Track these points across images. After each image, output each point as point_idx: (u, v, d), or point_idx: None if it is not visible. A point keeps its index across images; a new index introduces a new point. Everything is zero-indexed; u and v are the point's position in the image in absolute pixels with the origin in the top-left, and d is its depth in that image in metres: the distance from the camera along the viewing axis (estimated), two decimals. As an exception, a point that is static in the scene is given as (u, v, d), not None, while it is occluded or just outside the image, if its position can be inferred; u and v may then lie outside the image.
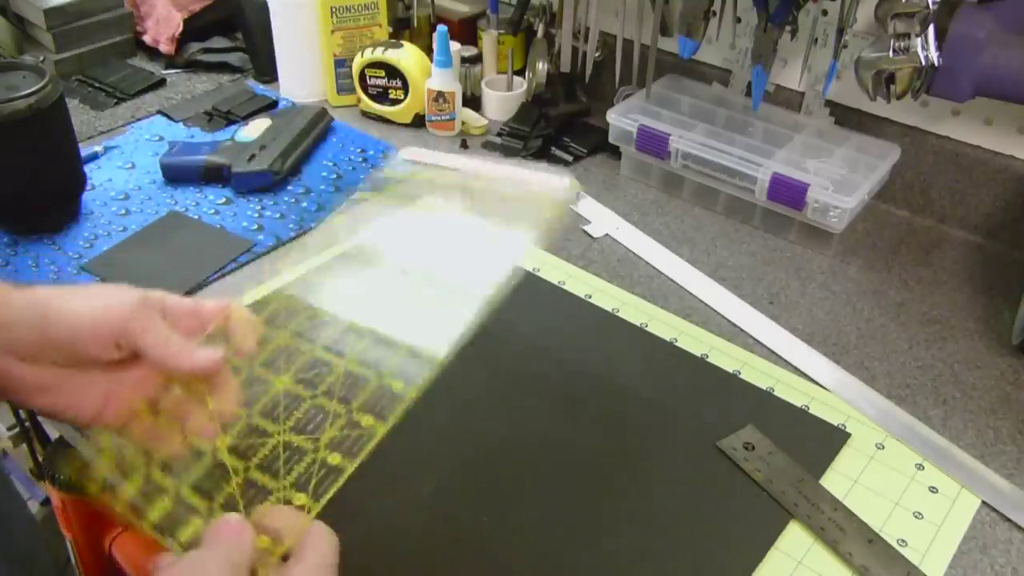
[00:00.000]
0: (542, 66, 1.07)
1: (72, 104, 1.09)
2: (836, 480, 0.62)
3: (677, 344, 0.74)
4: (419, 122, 1.08)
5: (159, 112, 1.10)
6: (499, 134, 1.06)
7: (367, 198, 0.68)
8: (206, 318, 0.52)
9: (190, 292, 0.79)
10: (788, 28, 0.88)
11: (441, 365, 0.52)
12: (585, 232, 0.89)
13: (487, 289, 0.54)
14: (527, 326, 0.76)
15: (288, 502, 0.47)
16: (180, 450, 0.51)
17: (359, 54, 1.06)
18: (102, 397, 0.50)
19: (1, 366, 0.48)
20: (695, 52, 0.92)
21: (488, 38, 1.12)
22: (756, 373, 0.71)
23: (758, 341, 0.75)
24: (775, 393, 0.70)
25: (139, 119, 1.09)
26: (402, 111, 1.08)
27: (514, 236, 0.57)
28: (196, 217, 0.90)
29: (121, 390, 0.51)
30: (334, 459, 0.49)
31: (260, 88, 1.15)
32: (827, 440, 0.66)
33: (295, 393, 0.54)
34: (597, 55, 1.04)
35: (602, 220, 0.91)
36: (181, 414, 0.51)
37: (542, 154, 1.03)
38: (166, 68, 1.20)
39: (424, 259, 0.59)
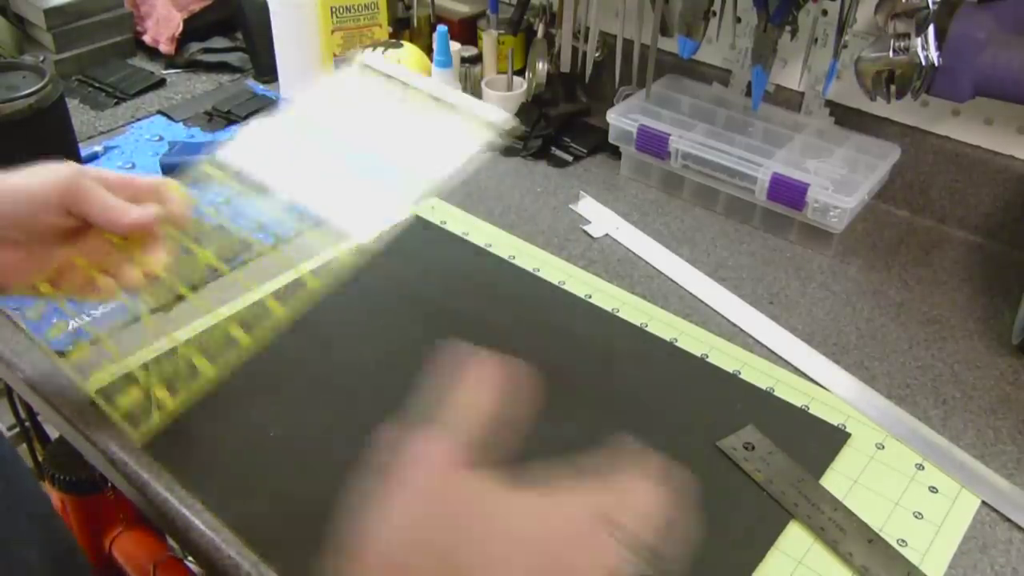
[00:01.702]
0: (542, 66, 1.07)
1: (72, 104, 1.09)
2: (836, 480, 0.62)
3: (677, 344, 0.74)
4: (419, 122, 1.08)
5: (159, 112, 1.10)
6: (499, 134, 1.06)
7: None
8: (140, 189, 0.59)
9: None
10: (788, 28, 0.88)
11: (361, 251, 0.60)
12: (585, 232, 0.89)
13: (421, 185, 0.59)
14: (527, 326, 0.76)
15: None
16: (108, 297, 0.60)
17: (359, 54, 1.06)
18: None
19: None
20: (695, 52, 0.92)
21: (488, 38, 1.12)
22: (756, 373, 0.71)
23: (758, 341, 0.75)
24: (775, 393, 0.70)
25: (139, 119, 1.09)
26: (402, 111, 1.08)
27: (449, 146, 0.62)
28: (196, 217, 0.90)
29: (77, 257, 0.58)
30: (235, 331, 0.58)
31: (260, 88, 1.15)
32: (827, 440, 0.66)
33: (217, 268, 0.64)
34: (597, 55, 1.04)
35: (602, 220, 0.91)
36: (113, 268, 0.59)
37: (542, 154, 1.03)
38: (166, 68, 1.20)
39: (364, 144, 0.63)
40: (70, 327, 0.73)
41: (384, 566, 0.34)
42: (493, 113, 0.61)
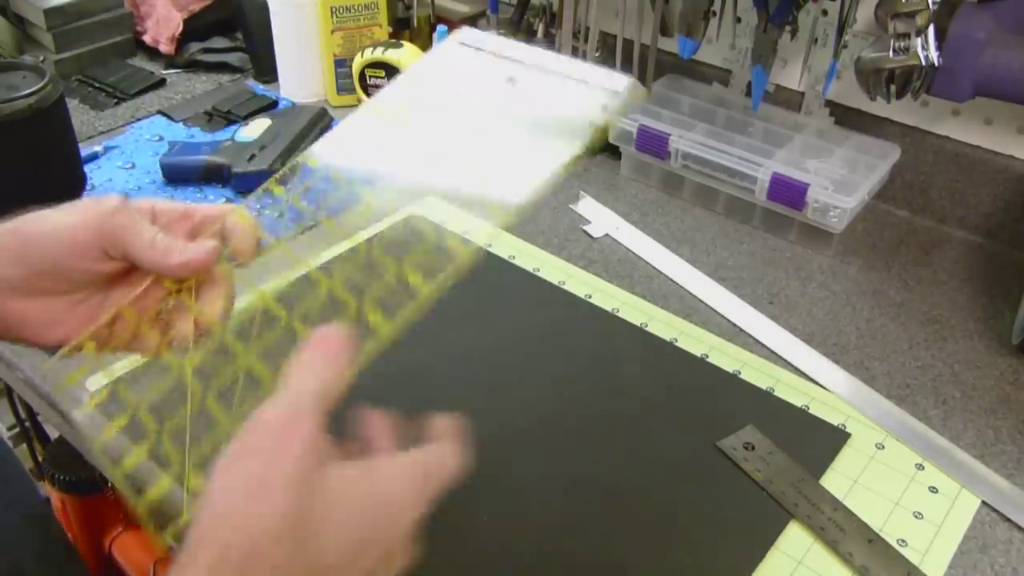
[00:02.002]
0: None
1: (72, 104, 1.09)
2: (836, 480, 0.62)
3: (677, 344, 0.74)
4: (419, 122, 1.08)
5: (159, 112, 1.10)
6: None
7: None
8: (200, 222, 0.50)
9: (190, 292, 0.79)
10: (788, 28, 0.88)
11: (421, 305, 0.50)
12: (585, 232, 0.89)
13: (512, 202, 0.50)
14: (527, 326, 0.76)
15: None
16: (157, 353, 0.49)
17: (359, 54, 1.06)
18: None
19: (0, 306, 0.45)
20: (695, 52, 0.92)
21: (488, 38, 1.12)
22: (756, 373, 0.71)
23: (758, 341, 0.75)
24: (775, 393, 0.70)
25: (139, 119, 1.09)
26: (402, 111, 1.08)
27: (572, 115, 0.52)
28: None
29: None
30: None
31: (260, 88, 1.15)
32: (827, 440, 0.66)
33: (273, 312, 0.50)
34: (597, 55, 1.04)
35: (602, 220, 0.91)
36: (165, 319, 0.49)
37: (542, 154, 1.03)
38: (166, 68, 1.20)
39: (480, 120, 0.54)
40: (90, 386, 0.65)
41: (214, 527, 0.34)
42: (612, 79, 0.54)
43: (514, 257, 0.84)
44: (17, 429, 1.30)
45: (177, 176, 0.95)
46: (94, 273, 0.47)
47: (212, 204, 0.52)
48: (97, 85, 1.15)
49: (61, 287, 0.47)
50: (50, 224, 0.46)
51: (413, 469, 0.39)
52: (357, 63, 1.06)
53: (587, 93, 0.51)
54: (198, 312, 0.48)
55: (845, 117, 0.95)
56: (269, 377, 0.45)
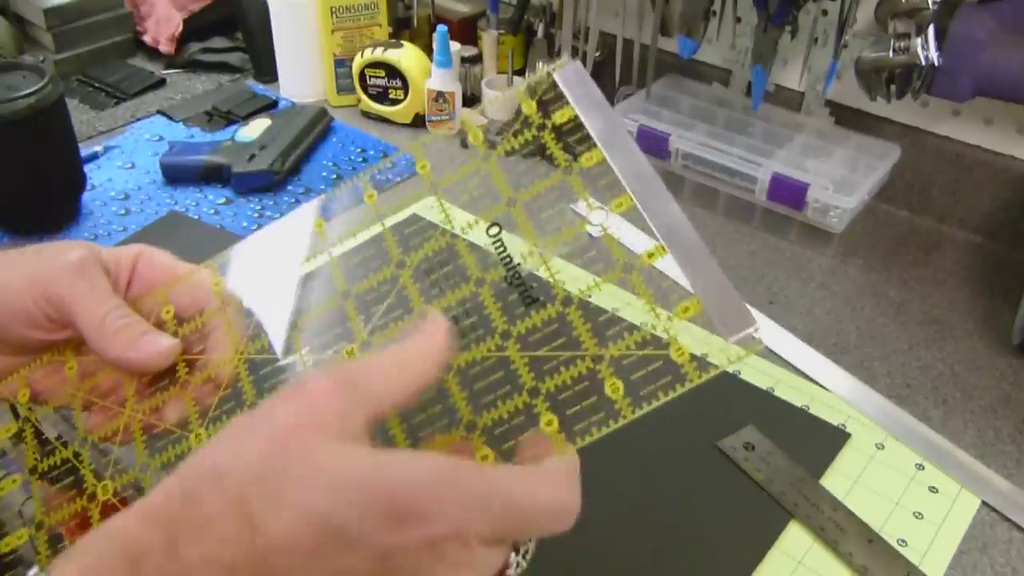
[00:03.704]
0: (542, 66, 1.07)
1: (72, 104, 1.09)
2: (836, 480, 0.62)
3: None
4: (419, 122, 1.08)
5: (159, 112, 1.10)
6: (499, 134, 1.06)
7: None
8: (182, 295, 0.42)
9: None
10: (788, 28, 0.88)
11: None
12: (585, 232, 0.89)
13: None
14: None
15: None
16: (128, 441, 0.41)
17: (359, 54, 1.06)
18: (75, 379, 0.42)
19: None
20: (695, 52, 0.92)
21: (488, 38, 1.12)
22: (756, 373, 0.71)
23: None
24: (775, 393, 0.70)
25: (139, 119, 1.09)
26: (402, 111, 1.08)
27: None
28: (196, 217, 0.90)
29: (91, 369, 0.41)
30: None
31: (260, 88, 1.15)
32: (827, 440, 0.65)
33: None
34: (597, 55, 1.04)
35: (602, 220, 0.91)
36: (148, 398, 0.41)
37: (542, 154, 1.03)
38: (166, 68, 1.20)
39: None
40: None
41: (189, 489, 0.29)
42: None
43: (514, 257, 0.84)
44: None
45: (177, 176, 0.95)
46: (42, 341, 0.41)
47: (205, 276, 0.43)
48: (97, 85, 1.15)
49: (6, 349, 0.41)
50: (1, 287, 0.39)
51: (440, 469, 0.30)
52: (357, 63, 1.06)
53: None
54: (199, 382, 0.40)
55: (845, 117, 0.95)
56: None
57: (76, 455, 0.41)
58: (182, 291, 0.43)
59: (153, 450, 0.41)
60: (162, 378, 0.42)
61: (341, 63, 1.09)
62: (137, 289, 0.43)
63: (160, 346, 0.40)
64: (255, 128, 1.00)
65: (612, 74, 1.02)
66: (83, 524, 0.41)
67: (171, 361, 0.41)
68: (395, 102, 1.07)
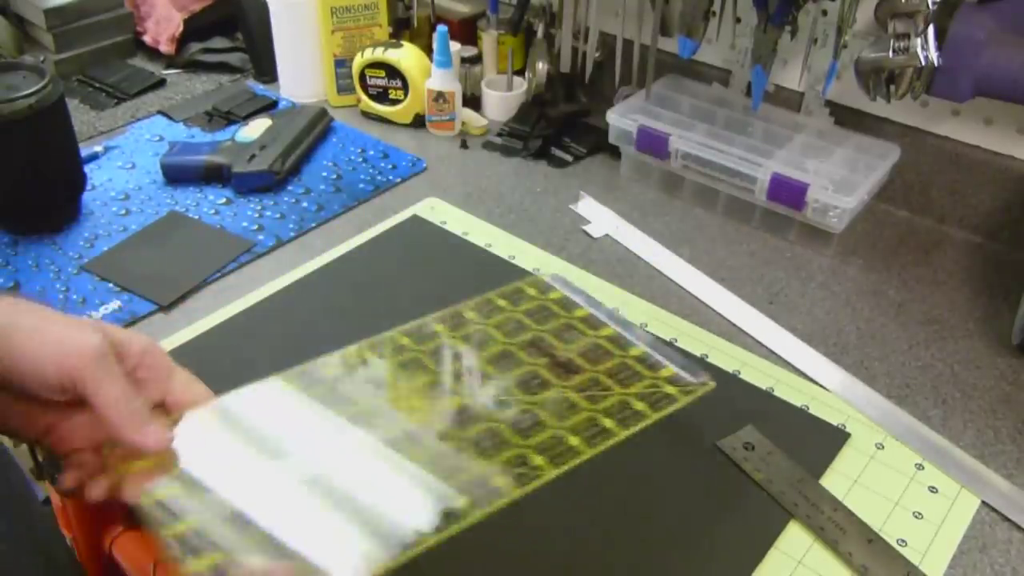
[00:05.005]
0: (542, 66, 1.07)
1: (72, 104, 1.09)
2: (836, 480, 0.62)
3: (677, 344, 0.74)
4: (419, 122, 1.08)
5: (159, 112, 1.10)
6: (499, 134, 1.06)
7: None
8: (173, 401, 0.50)
9: (190, 292, 0.79)
10: (788, 28, 0.88)
11: None
12: (585, 232, 0.89)
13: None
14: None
15: None
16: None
17: (359, 54, 1.06)
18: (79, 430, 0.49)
19: None
20: (695, 52, 0.92)
21: (488, 38, 1.12)
22: (756, 373, 0.71)
23: (758, 341, 0.75)
24: (775, 393, 0.70)
25: (139, 119, 1.09)
26: (402, 111, 1.08)
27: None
28: (196, 217, 0.90)
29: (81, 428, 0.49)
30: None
31: (260, 88, 1.15)
32: (827, 440, 0.66)
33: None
34: (597, 55, 1.04)
35: (602, 220, 0.91)
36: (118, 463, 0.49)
37: (542, 154, 1.03)
38: (166, 68, 1.20)
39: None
40: None
41: None
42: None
43: (514, 257, 0.84)
44: (17, 429, 1.30)
45: (177, 176, 0.95)
46: (52, 399, 0.47)
47: (200, 395, 0.52)
48: (97, 85, 1.15)
49: (20, 398, 0.47)
50: (27, 350, 0.45)
51: None
52: (357, 63, 1.06)
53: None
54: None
55: (845, 117, 0.95)
56: None
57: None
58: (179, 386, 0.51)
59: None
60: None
61: (341, 63, 1.09)
62: (140, 374, 0.50)
63: (163, 436, 0.48)
64: (255, 128, 1.00)
65: (612, 74, 1.02)
66: None
67: (161, 447, 0.48)
68: (395, 102, 1.07)
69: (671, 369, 0.61)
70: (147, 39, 1.22)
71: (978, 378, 0.73)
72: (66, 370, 0.45)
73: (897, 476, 0.63)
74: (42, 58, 1.14)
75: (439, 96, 1.04)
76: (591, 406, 0.57)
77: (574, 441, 0.54)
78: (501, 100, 1.09)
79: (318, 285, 0.80)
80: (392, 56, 1.04)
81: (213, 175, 0.95)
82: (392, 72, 1.05)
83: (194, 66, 1.20)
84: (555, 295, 0.68)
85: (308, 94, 1.13)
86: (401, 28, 1.17)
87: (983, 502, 0.61)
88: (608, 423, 0.56)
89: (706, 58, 1.03)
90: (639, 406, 0.58)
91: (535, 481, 0.51)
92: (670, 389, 0.60)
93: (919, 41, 0.76)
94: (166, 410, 0.51)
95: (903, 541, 0.58)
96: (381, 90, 1.07)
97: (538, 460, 0.52)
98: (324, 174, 0.98)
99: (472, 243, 0.86)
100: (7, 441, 0.67)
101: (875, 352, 0.75)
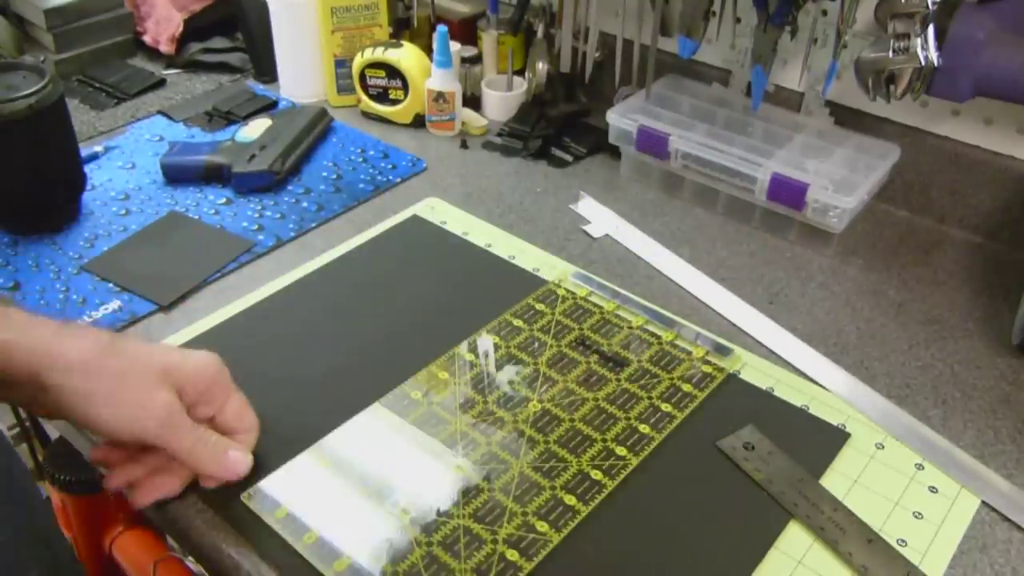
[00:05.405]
0: (542, 66, 1.07)
1: (72, 104, 1.09)
2: (836, 480, 0.62)
3: (677, 344, 0.74)
4: (419, 122, 1.08)
5: (159, 112, 1.10)
6: (499, 134, 1.06)
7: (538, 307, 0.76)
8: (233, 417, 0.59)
9: (190, 292, 0.79)
10: (788, 28, 0.89)
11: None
12: (585, 232, 0.89)
13: None
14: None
15: None
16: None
17: (359, 54, 1.06)
18: None
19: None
20: (695, 52, 0.92)
21: (488, 38, 1.12)
22: (756, 373, 0.72)
23: (758, 341, 0.75)
24: (775, 393, 0.70)
25: (139, 119, 1.09)
26: (402, 111, 1.08)
27: None
28: (196, 217, 0.90)
29: None
30: (511, 554, 0.55)
31: (260, 88, 1.15)
32: (827, 440, 0.66)
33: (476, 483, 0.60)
34: (597, 55, 1.04)
35: (602, 220, 0.91)
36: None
37: (542, 154, 1.03)
38: (166, 68, 1.20)
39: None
40: None
41: None
42: None
43: (514, 257, 0.84)
44: (17, 429, 1.30)
45: (177, 176, 0.95)
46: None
47: (249, 425, 0.61)
48: (97, 85, 1.15)
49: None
50: (101, 418, 0.53)
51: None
52: (357, 63, 1.06)
53: None
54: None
55: (845, 117, 0.95)
56: None
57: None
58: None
59: None
60: None
61: (341, 63, 1.09)
62: (203, 399, 0.58)
63: (241, 463, 0.58)
64: (255, 128, 1.00)
65: (612, 74, 1.02)
66: None
67: (247, 471, 0.58)
68: (395, 102, 1.07)
69: (702, 349, 0.72)
70: (147, 39, 1.22)
71: (978, 378, 0.73)
72: (140, 434, 0.53)
73: (897, 476, 0.63)
74: (42, 58, 1.14)
75: (439, 96, 1.04)
76: (647, 394, 0.67)
77: (645, 429, 0.65)
78: (501, 100, 1.09)
79: (318, 285, 0.80)
80: (392, 56, 1.04)
81: (213, 175, 0.95)
82: (392, 72, 1.05)
83: (194, 66, 1.20)
84: (582, 292, 0.78)
85: (308, 94, 1.13)
86: (401, 28, 1.17)
87: (983, 502, 0.61)
88: (666, 407, 0.66)
89: (706, 58, 1.03)
90: (687, 388, 0.68)
91: (623, 472, 0.61)
92: (707, 368, 0.70)
93: (919, 41, 0.76)
94: (214, 427, 0.58)
95: (903, 541, 0.58)
96: (381, 90, 1.07)
97: (621, 451, 0.63)
98: (324, 174, 0.98)
99: (472, 243, 0.86)
100: (8, 437, 0.67)
101: (875, 352, 0.75)
